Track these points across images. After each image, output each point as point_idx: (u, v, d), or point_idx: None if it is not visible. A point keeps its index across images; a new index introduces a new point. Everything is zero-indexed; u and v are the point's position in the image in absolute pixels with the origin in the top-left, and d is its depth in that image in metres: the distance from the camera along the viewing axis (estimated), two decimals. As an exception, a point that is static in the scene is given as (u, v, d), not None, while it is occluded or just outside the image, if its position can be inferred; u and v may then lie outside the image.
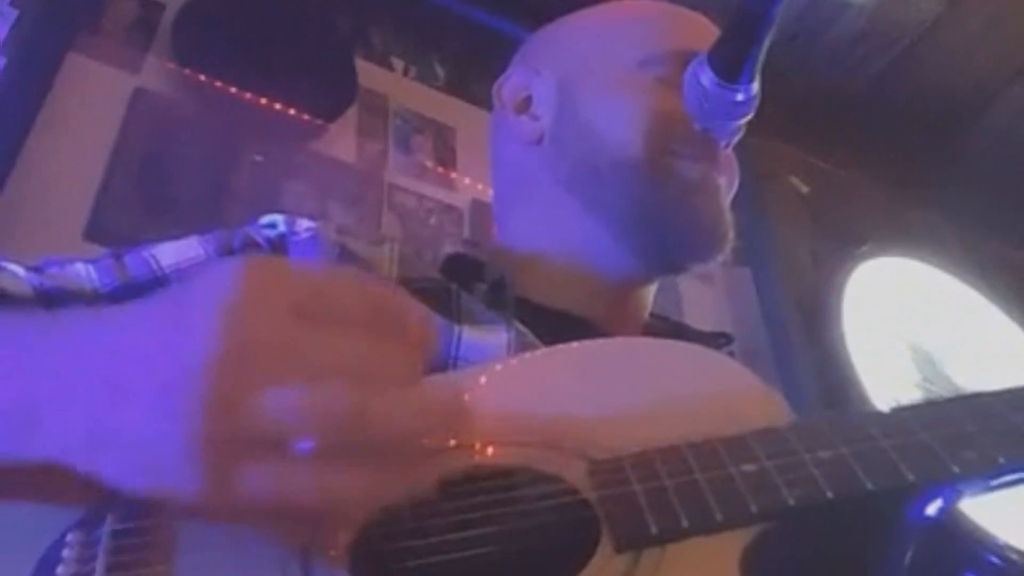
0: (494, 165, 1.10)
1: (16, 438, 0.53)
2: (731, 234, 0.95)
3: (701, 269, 0.96)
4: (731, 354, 0.99)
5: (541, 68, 1.03)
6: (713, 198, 0.94)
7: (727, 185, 0.97)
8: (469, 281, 0.91)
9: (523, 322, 0.86)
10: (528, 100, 1.03)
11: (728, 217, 0.96)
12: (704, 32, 0.99)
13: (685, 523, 0.57)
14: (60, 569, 0.56)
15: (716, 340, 0.99)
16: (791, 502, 0.57)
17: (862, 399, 2.13)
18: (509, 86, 1.05)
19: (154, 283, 0.85)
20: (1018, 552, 1.94)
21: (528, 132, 1.01)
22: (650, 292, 1.01)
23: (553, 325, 0.89)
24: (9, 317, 0.63)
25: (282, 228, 0.93)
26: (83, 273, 0.85)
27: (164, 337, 0.49)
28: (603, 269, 0.96)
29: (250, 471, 0.47)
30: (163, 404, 0.47)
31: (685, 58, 0.91)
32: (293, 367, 0.47)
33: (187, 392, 0.47)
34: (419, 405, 0.50)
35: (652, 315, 1.02)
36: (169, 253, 0.88)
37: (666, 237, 0.94)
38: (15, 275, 0.81)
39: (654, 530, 0.57)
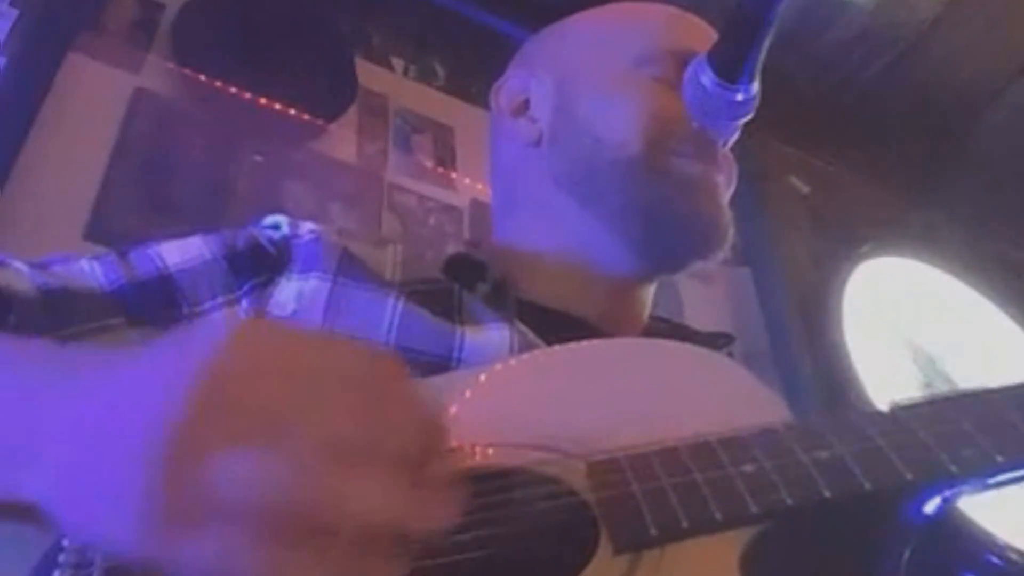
0: (493, 167, 1.10)
1: (6, 476, 0.52)
2: (730, 231, 0.95)
3: (700, 267, 0.96)
4: (730, 355, 1.00)
5: (538, 71, 1.04)
6: (712, 196, 0.94)
7: (725, 183, 0.97)
8: (471, 281, 0.91)
9: (524, 322, 0.86)
10: (526, 103, 1.03)
11: (727, 215, 0.96)
12: (700, 32, 1.00)
13: (684, 523, 0.57)
14: (56, 574, 0.56)
15: (716, 341, 0.99)
16: (790, 502, 0.58)
17: (862, 399, 2.13)
18: (507, 89, 1.06)
19: (160, 281, 0.85)
20: (1018, 552, 1.95)
21: (526, 134, 1.01)
22: (650, 292, 1.01)
23: (554, 325, 0.89)
24: (22, 352, 0.62)
25: (285, 230, 0.93)
26: (87, 270, 0.84)
27: (143, 393, 0.48)
28: (603, 269, 0.96)
29: (197, 537, 0.44)
30: (130, 458, 0.45)
31: (682, 58, 0.93)
32: (267, 435, 0.45)
33: (153, 447, 0.45)
34: (393, 500, 0.45)
35: (652, 316, 1.02)
36: (174, 252, 0.88)
37: (665, 235, 0.94)
38: (19, 272, 0.80)
39: (653, 531, 0.57)
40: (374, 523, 0.45)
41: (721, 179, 0.96)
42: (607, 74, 0.98)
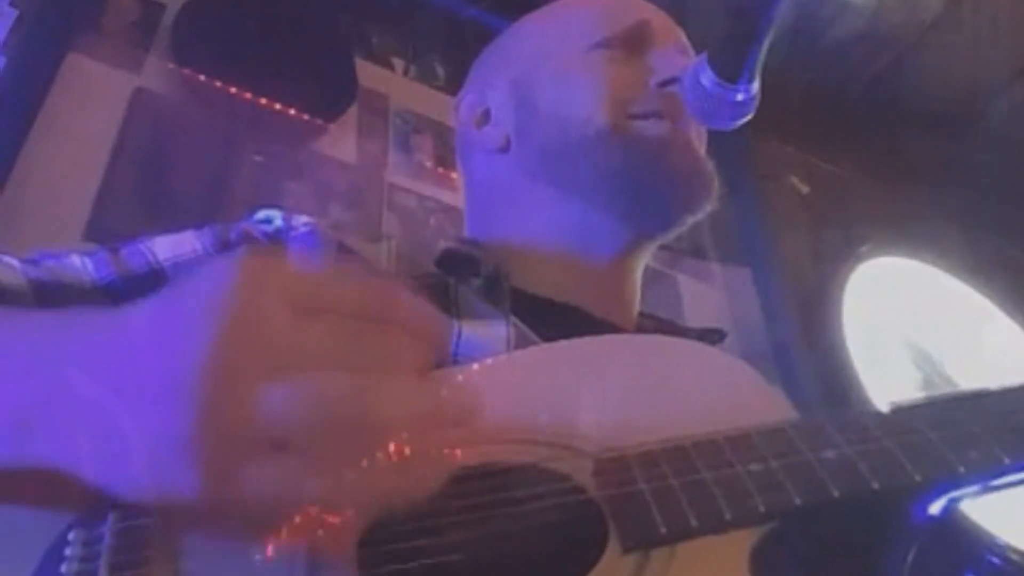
0: (467, 178, 1.12)
1: (13, 440, 0.52)
2: (715, 181, 0.96)
3: (692, 221, 0.97)
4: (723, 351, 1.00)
5: (492, 80, 1.07)
6: (686, 150, 0.95)
7: (697, 136, 0.98)
8: (464, 275, 0.91)
9: (519, 313, 0.87)
10: (486, 113, 1.05)
11: (707, 165, 0.97)
12: (640, 3, 1.05)
13: (694, 522, 0.57)
14: (64, 567, 0.56)
15: (709, 336, 0.99)
16: (798, 501, 0.57)
17: (862, 399, 2.13)
18: (465, 106, 1.08)
19: (151, 276, 0.84)
20: (1018, 552, 1.95)
21: (493, 141, 1.04)
22: (640, 269, 1.02)
23: (549, 315, 0.89)
24: (23, 318, 0.62)
25: (279, 223, 0.93)
26: (79, 265, 0.84)
27: (160, 338, 0.48)
28: (593, 248, 0.97)
29: (249, 470, 0.46)
30: (160, 405, 0.46)
31: (630, 31, 0.98)
32: (290, 361, 0.46)
33: (183, 392, 0.45)
34: (422, 398, 0.49)
35: (641, 313, 1.03)
36: (166, 246, 0.87)
37: (648, 197, 0.95)
38: (10, 267, 0.80)
39: (663, 530, 0.57)
40: (409, 425, 0.48)
41: (692, 132, 0.97)
42: (560, 61, 1.00)
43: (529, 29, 1.09)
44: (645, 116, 0.95)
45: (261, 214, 0.97)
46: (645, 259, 1.03)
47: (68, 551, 0.57)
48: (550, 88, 1.00)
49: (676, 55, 0.99)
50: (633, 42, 0.99)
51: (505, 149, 1.02)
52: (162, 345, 0.48)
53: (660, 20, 1.04)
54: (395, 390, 0.48)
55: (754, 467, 0.59)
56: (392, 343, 0.49)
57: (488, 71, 1.10)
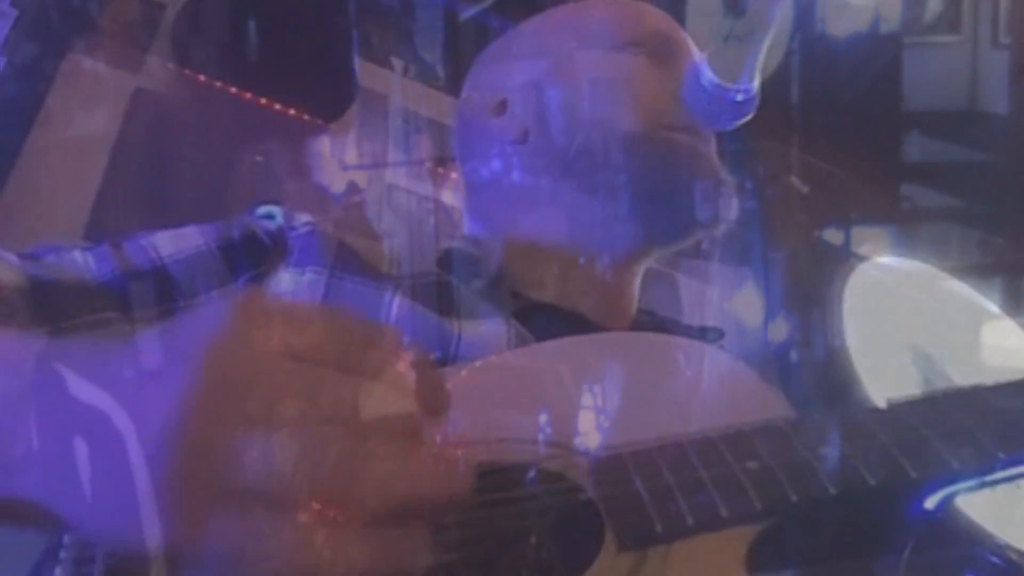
0: (471, 171, 1.10)
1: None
2: (735, 200, 0.98)
3: (707, 235, 0.99)
4: (721, 349, 1.00)
5: (509, 72, 1.05)
6: (709, 165, 0.97)
7: (716, 155, 0.99)
8: (466, 276, 0.91)
9: (519, 316, 0.86)
10: (503, 103, 1.03)
11: (730, 184, 0.98)
12: (662, 16, 1.05)
13: (690, 520, 0.57)
14: (58, 571, 0.56)
15: (708, 335, 0.99)
16: (794, 498, 0.58)
17: (862, 399, 2.12)
18: (480, 93, 1.07)
19: (154, 272, 0.84)
20: (1018, 552, 1.94)
21: (511, 131, 1.02)
22: (639, 276, 1.02)
23: (548, 320, 0.89)
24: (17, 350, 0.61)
25: (280, 220, 0.93)
26: (80, 261, 0.83)
27: (149, 387, 0.47)
28: (602, 248, 0.97)
29: (219, 521, 0.44)
30: (138, 448, 0.45)
31: (653, 40, 0.99)
32: (278, 413, 0.45)
33: (160, 438, 0.44)
34: (417, 466, 0.46)
35: (642, 311, 1.03)
36: (168, 242, 0.87)
37: (670, 204, 0.96)
38: (9, 263, 0.79)
39: (659, 528, 0.57)
40: (396, 492, 0.45)
41: (712, 150, 0.98)
42: (590, 60, 1.00)
43: (549, 25, 1.08)
44: (676, 128, 0.95)
45: (263, 210, 0.96)
46: (647, 265, 1.03)
47: (63, 554, 0.57)
48: (579, 85, 0.99)
49: None
50: (658, 52, 0.99)
51: (522, 140, 1.01)
52: (142, 396, 0.47)
53: (683, 36, 1.04)
54: (391, 463, 0.45)
55: (750, 465, 0.59)
56: (392, 402, 0.47)
57: (505, 63, 1.08)
